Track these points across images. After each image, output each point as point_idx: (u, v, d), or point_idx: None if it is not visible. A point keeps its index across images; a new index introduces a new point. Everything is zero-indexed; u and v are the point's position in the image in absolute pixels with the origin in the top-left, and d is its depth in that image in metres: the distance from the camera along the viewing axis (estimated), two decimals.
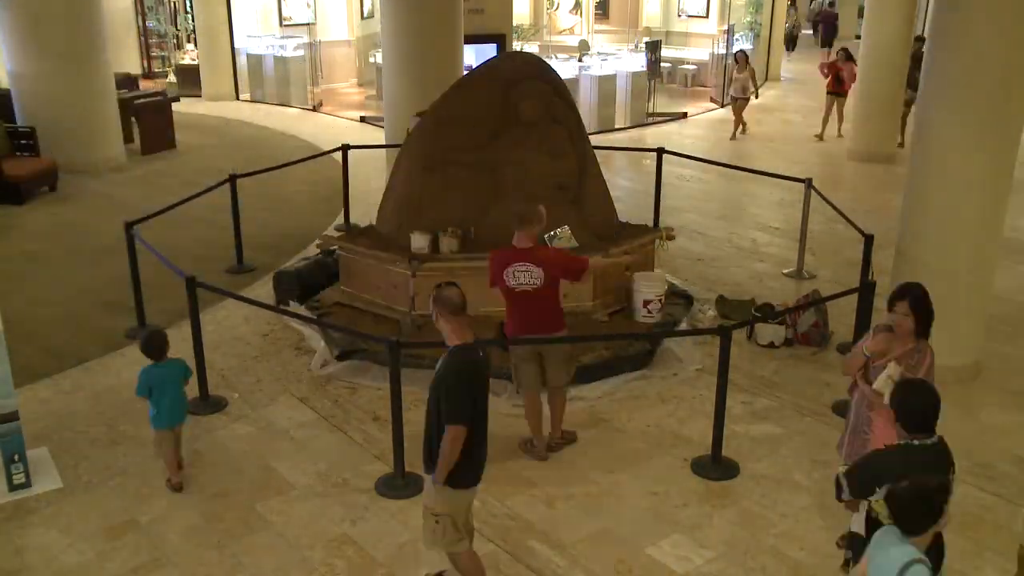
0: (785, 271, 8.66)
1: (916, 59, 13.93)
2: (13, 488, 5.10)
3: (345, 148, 9.71)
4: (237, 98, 18.57)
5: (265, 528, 4.84)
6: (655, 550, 4.66)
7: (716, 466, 5.34)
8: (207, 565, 4.55)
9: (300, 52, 18.60)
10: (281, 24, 19.52)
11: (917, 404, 3.68)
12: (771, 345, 6.97)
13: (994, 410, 6.14)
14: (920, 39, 14.20)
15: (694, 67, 20.34)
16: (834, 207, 8.10)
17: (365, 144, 11.54)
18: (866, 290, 5.95)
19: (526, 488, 5.19)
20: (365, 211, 9.35)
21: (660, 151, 9.19)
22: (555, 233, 6.60)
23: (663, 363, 6.66)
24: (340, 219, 10.02)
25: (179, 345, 6.99)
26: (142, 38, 20.83)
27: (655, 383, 6.42)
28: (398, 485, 5.17)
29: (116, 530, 4.81)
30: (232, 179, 8.50)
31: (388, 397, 6.17)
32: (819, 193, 8.35)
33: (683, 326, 7.18)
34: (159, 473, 5.31)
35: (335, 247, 7.59)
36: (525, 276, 5.19)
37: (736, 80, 15.00)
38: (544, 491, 5.16)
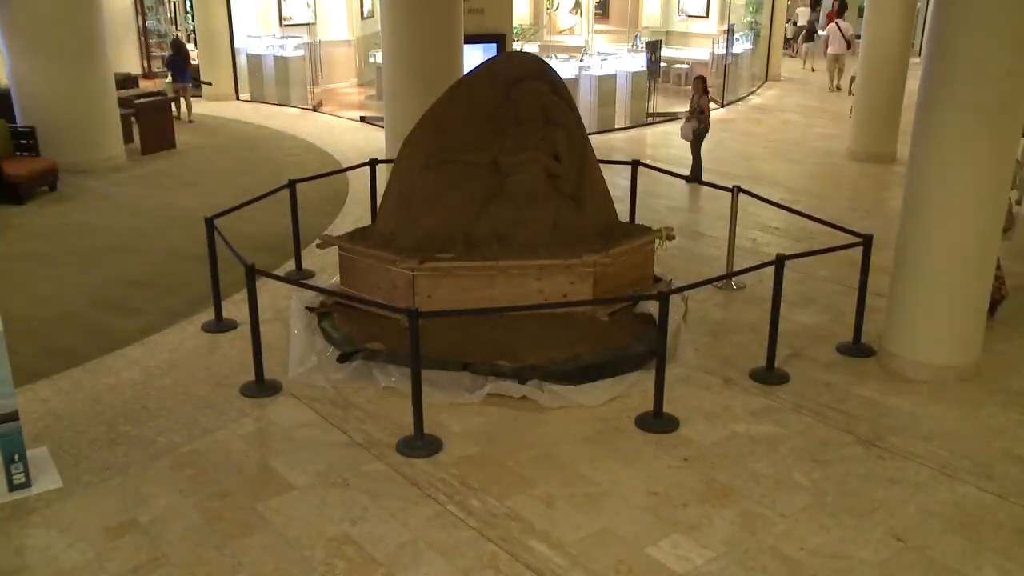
0: (718, 286, 8.22)
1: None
2: (13, 488, 5.10)
3: (373, 163, 9.34)
4: (237, 98, 18.59)
5: (265, 528, 4.84)
6: (655, 550, 4.66)
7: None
8: (207, 565, 4.55)
9: (300, 52, 18.62)
10: (281, 24, 19.54)
11: None
12: None
13: (994, 410, 6.14)
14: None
15: (687, 66, 20.37)
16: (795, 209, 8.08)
17: (391, 159, 11.44)
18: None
19: (526, 488, 5.19)
20: (365, 211, 9.37)
21: (635, 163, 9.15)
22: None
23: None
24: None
25: (189, 342, 7.03)
26: (142, 38, 20.85)
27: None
28: (417, 445, 5.52)
29: (116, 530, 4.81)
30: (292, 184, 8.47)
31: (389, 397, 6.23)
32: (758, 196, 8.22)
33: (680, 325, 7.17)
34: (159, 473, 5.32)
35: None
36: None
37: None
38: (544, 491, 5.16)
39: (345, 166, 9.92)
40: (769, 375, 6.51)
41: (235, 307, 7.47)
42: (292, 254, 8.69)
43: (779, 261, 6.35)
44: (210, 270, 7.18)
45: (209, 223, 7.09)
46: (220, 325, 7.31)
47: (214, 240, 7.06)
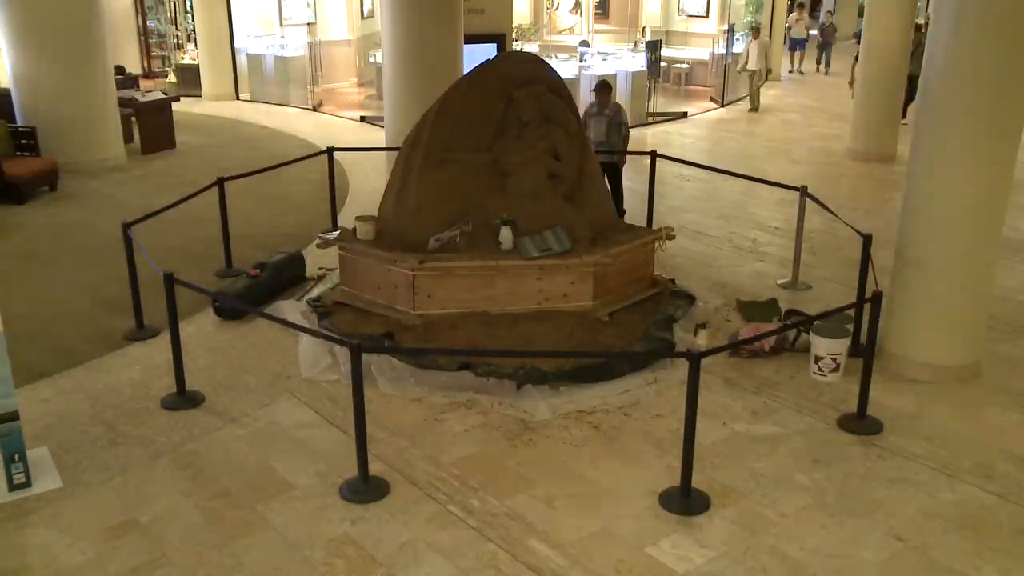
0: (779, 282, 8.39)
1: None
2: (13, 488, 5.10)
3: (330, 151, 9.57)
4: (237, 98, 18.57)
5: (265, 528, 4.84)
6: (655, 550, 4.66)
7: (685, 500, 5.01)
8: (207, 565, 4.55)
9: (300, 52, 18.62)
10: (281, 24, 19.52)
11: None
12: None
13: (994, 410, 6.14)
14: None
15: (687, 66, 20.33)
16: (831, 212, 8.07)
17: (350, 147, 11.48)
18: (875, 300, 5.75)
19: (526, 488, 5.19)
20: (364, 211, 9.35)
21: (653, 154, 9.15)
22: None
23: (664, 363, 6.64)
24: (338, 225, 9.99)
25: (189, 342, 7.01)
26: (142, 38, 20.84)
27: (655, 383, 6.41)
28: (360, 489, 5.11)
29: (116, 530, 4.81)
30: (220, 182, 8.47)
31: (389, 397, 6.23)
32: (815, 200, 8.26)
33: (679, 327, 7.14)
34: (159, 473, 5.32)
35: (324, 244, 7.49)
36: None
37: None
38: (544, 491, 5.16)
39: (331, 169, 9.87)
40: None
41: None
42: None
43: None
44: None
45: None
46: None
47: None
